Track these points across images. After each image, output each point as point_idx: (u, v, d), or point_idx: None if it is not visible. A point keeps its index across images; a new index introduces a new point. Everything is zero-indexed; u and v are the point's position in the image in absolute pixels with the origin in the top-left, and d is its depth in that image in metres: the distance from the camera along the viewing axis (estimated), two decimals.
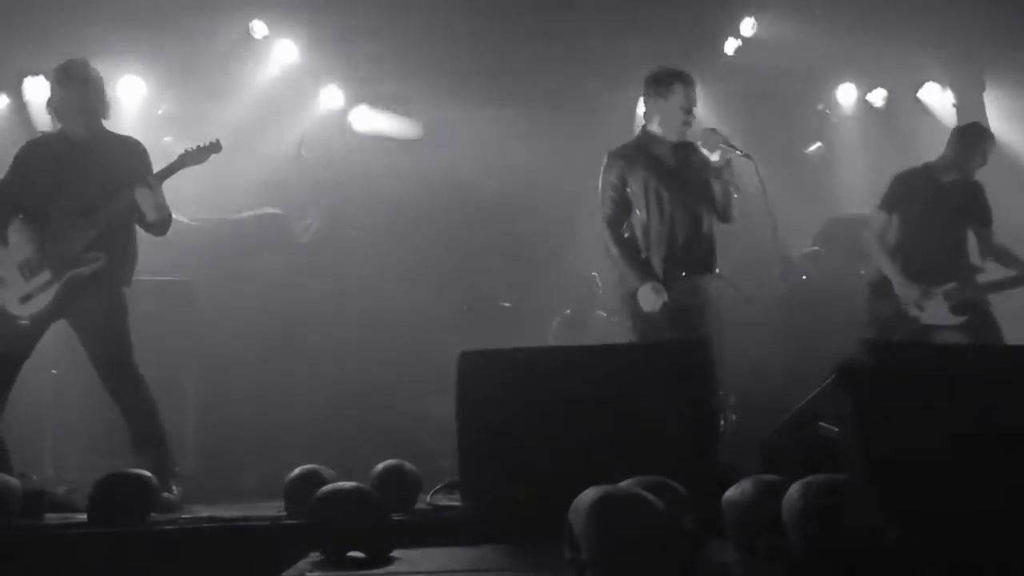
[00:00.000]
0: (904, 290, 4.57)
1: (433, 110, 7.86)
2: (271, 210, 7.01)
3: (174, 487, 3.73)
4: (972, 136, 4.76)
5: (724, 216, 4.12)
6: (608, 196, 4.02)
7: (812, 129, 8.61)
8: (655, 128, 4.05)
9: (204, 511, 3.46)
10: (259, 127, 7.17)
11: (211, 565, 2.60)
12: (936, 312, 4.55)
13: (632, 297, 3.89)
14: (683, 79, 3.98)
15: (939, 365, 2.97)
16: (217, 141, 4.01)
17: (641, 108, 4.22)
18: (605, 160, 4.08)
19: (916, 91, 8.36)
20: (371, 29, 6.80)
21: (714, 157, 3.95)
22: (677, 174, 3.98)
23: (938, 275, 4.58)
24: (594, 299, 6.71)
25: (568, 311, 6.73)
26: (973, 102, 7.89)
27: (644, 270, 3.90)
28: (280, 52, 7.23)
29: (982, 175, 4.81)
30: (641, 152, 4.03)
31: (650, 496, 1.66)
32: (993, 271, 4.71)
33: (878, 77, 8.31)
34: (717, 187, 4.00)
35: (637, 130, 4.25)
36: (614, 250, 3.98)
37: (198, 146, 4.00)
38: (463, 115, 7.64)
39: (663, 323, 3.82)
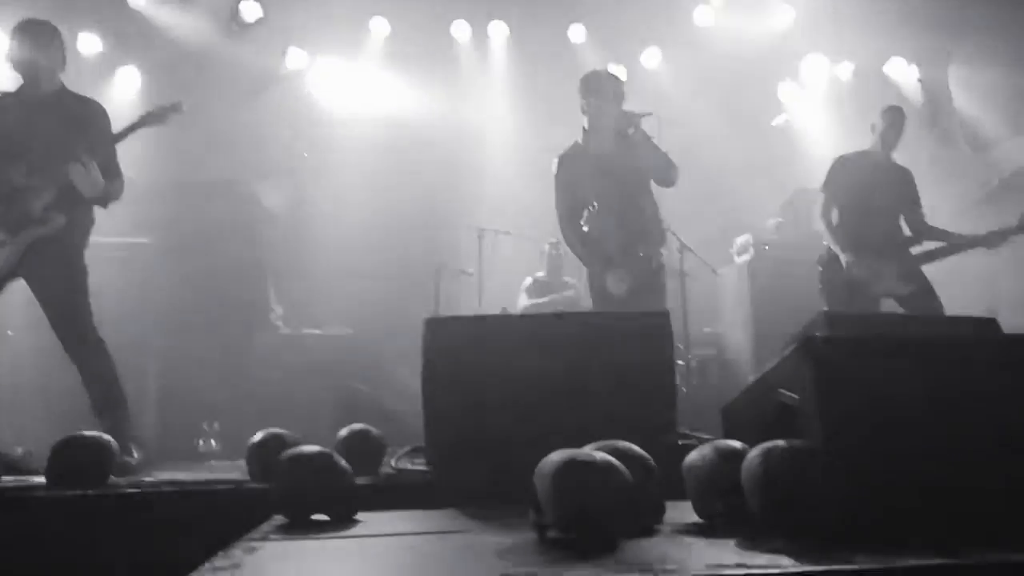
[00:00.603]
0: (853, 263, 4.72)
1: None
2: (234, 173, 6.93)
3: (134, 451, 3.70)
4: (897, 116, 5.01)
5: (665, 181, 4.40)
6: (560, 197, 4.39)
7: (778, 101, 8.67)
8: (592, 126, 4.38)
9: (165, 475, 3.43)
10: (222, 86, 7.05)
11: (172, 529, 2.59)
12: (886, 282, 4.70)
13: (596, 283, 4.25)
14: (604, 79, 4.39)
15: (892, 334, 3.05)
16: (179, 102, 3.94)
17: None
18: (555, 164, 4.43)
19: (882, 65, 8.46)
20: None
21: (630, 131, 4.25)
22: (614, 168, 4.28)
23: (884, 247, 4.77)
24: (560, 264, 6.74)
25: (537, 275, 6.75)
26: (938, 77, 7.99)
27: (603, 260, 4.23)
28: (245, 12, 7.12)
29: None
30: (583, 152, 4.39)
31: (613, 460, 1.68)
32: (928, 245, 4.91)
33: (846, 50, 8.37)
34: (646, 158, 4.28)
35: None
36: (576, 248, 4.36)
37: (160, 106, 3.92)
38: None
39: (627, 303, 4.13)
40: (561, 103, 5.25)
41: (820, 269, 5.01)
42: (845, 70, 8.51)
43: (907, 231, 4.96)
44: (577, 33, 8.19)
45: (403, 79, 7.95)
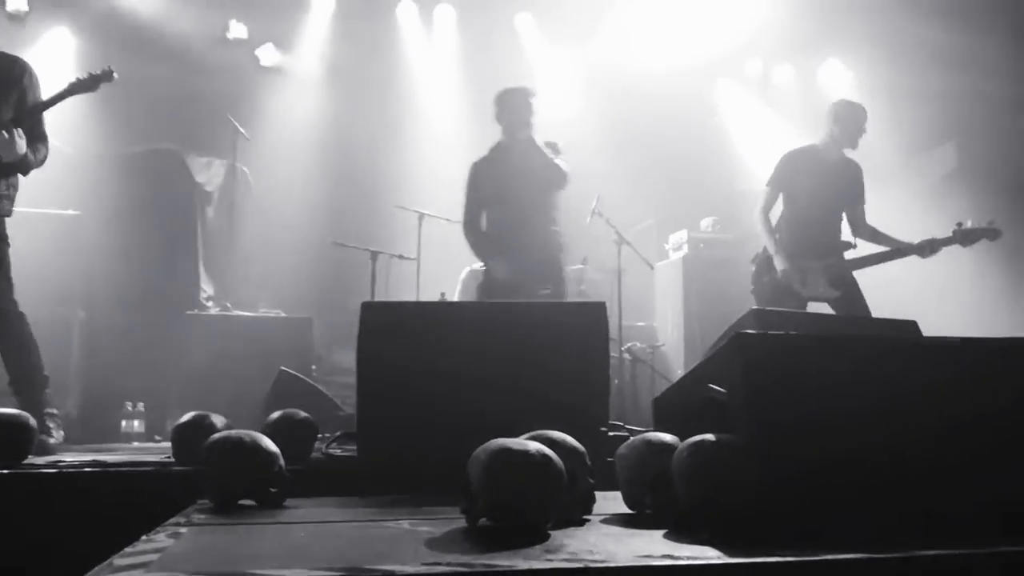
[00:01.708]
0: (785, 266, 4.74)
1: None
2: (167, 145, 6.73)
3: (53, 429, 3.58)
4: (852, 111, 4.89)
5: (557, 185, 4.70)
6: (469, 199, 4.72)
7: (714, 102, 8.83)
8: (505, 136, 4.68)
9: (86, 455, 3.33)
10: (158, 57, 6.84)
11: (92, 512, 2.51)
12: (815, 286, 4.76)
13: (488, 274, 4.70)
14: (516, 94, 4.65)
15: (818, 333, 3.13)
16: (110, 70, 3.81)
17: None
18: (469, 171, 4.75)
19: (818, 67, 8.67)
20: None
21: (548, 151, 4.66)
22: (522, 173, 4.56)
23: (820, 250, 4.79)
24: None
25: (475, 266, 6.73)
26: (871, 82, 8.22)
27: (495, 248, 4.61)
28: None
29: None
30: (496, 159, 4.69)
31: (547, 450, 1.69)
32: (863, 249, 4.97)
33: (784, 53, 8.56)
34: (550, 171, 4.60)
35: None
36: (470, 238, 4.72)
37: (90, 74, 3.79)
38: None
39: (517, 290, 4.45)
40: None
41: (753, 269, 5.04)
42: (782, 72, 8.70)
43: (846, 232, 4.94)
44: (524, 21, 8.19)
45: (346, 59, 7.82)
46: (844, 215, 4.95)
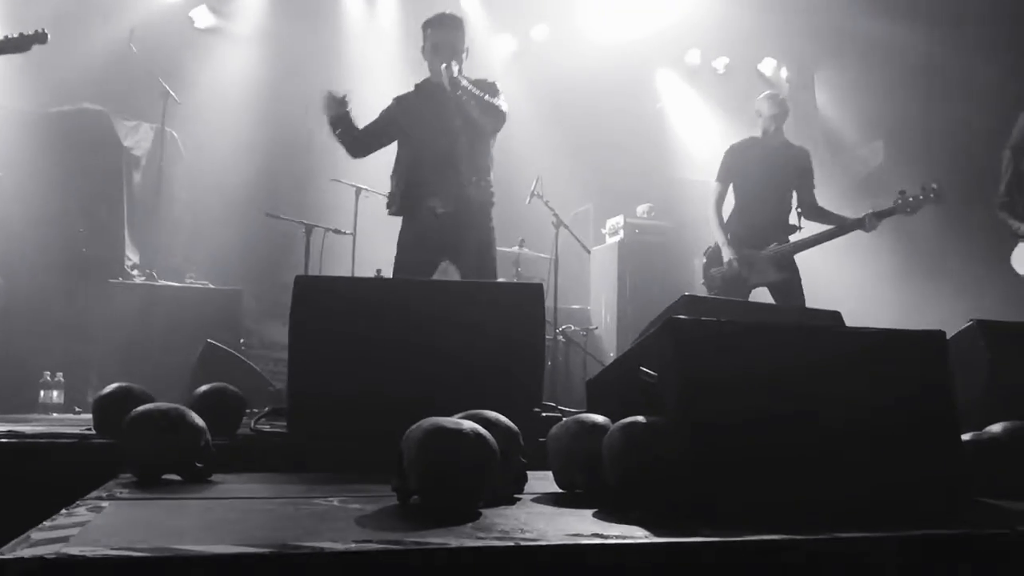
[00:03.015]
0: (731, 256, 4.90)
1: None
2: (94, 107, 6.48)
3: None
4: (773, 100, 5.11)
5: (492, 125, 4.21)
6: (370, 127, 4.34)
7: (655, 89, 8.93)
8: (429, 71, 4.27)
9: (2, 427, 3.20)
10: (88, 17, 6.56)
11: (7, 485, 2.42)
12: (763, 273, 4.90)
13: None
14: (432, 23, 4.23)
15: (745, 321, 3.21)
16: (43, 32, 3.66)
17: None
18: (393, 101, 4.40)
19: (756, 64, 8.84)
20: None
21: (447, 84, 4.06)
22: (430, 112, 4.18)
23: (767, 236, 4.94)
24: None
25: None
26: (804, 79, 8.43)
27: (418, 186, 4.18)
28: None
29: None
30: (415, 94, 4.35)
31: (480, 429, 1.69)
32: (810, 230, 5.08)
33: (724, 47, 8.70)
34: (466, 108, 4.10)
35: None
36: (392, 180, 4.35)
37: (20, 33, 3.64)
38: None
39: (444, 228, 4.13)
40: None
41: (704, 261, 5.15)
42: (720, 64, 8.84)
43: (793, 217, 5.04)
44: (470, 3, 8.12)
45: (285, 25, 7.63)
46: (795, 199, 5.07)
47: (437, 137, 4.15)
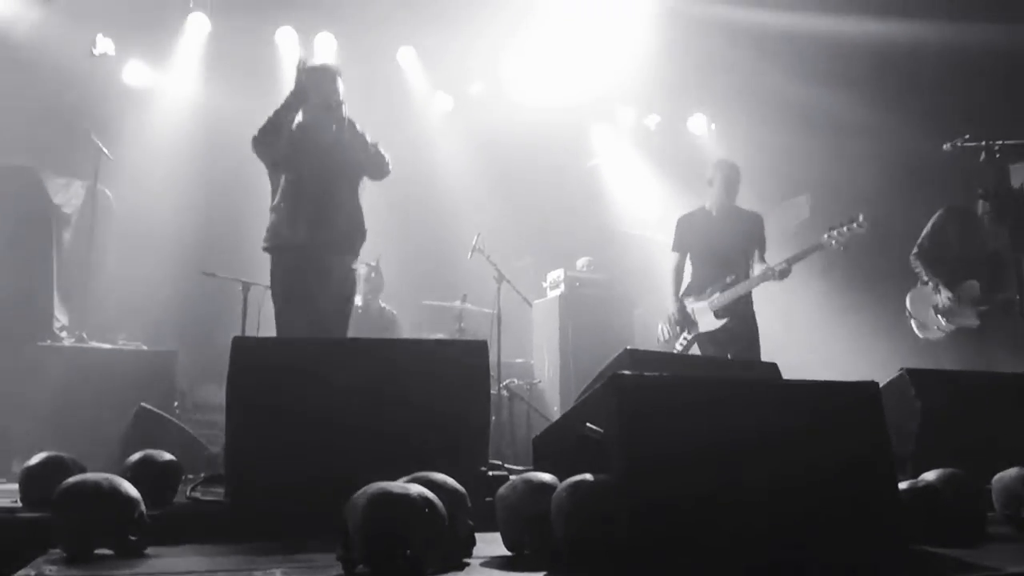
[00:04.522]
0: (672, 309, 5.28)
1: None
2: (22, 163, 6.30)
3: None
4: (733, 170, 5.34)
5: (375, 173, 4.44)
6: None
7: (590, 145, 9.13)
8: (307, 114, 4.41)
9: None
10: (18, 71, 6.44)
11: None
12: (702, 322, 5.17)
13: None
14: (318, 72, 4.43)
15: (685, 375, 3.26)
16: None
17: None
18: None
19: (686, 120, 9.14)
20: None
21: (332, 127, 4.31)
22: (322, 151, 4.33)
23: (707, 289, 5.20)
24: (379, 288, 6.66)
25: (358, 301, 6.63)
26: (731, 134, 8.72)
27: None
28: None
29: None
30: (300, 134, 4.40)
31: (428, 493, 1.67)
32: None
33: (655, 105, 8.97)
34: (352, 148, 4.32)
35: None
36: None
37: None
38: None
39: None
40: (385, 126, 5.22)
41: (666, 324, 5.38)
42: (652, 121, 9.11)
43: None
44: (407, 55, 8.22)
45: (220, 83, 7.59)
46: (751, 260, 5.24)
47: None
